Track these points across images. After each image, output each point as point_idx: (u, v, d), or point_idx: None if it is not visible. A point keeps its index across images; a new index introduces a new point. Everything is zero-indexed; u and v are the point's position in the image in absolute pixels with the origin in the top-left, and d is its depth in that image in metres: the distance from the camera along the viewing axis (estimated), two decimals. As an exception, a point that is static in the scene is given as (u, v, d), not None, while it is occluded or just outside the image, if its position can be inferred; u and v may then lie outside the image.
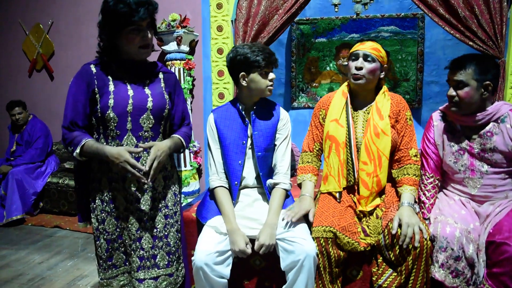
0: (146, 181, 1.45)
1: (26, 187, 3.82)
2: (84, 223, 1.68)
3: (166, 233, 1.61)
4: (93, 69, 1.52)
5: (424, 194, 1.74)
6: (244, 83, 1.69)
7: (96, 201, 1.58)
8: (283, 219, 1.62)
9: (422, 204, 1.73)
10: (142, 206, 1.56)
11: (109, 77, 1.52)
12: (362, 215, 1.72)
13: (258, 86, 1.68)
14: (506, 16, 2.73)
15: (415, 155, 1.77)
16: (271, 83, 1.70)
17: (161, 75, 1.65)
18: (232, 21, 3.19)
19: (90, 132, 1.56)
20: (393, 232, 1.54)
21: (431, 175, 1.76)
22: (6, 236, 3.48)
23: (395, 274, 1.55)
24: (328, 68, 4.05)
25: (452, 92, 1.64)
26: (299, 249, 1.50)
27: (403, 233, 1.51)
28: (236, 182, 1.72)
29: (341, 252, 1.56)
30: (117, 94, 1.50)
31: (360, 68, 1.72)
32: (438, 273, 1.50)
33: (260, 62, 1.64)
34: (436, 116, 1.80)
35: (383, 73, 1.77)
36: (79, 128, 1.52)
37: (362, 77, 1.72)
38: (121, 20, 1.42)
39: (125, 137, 1.52)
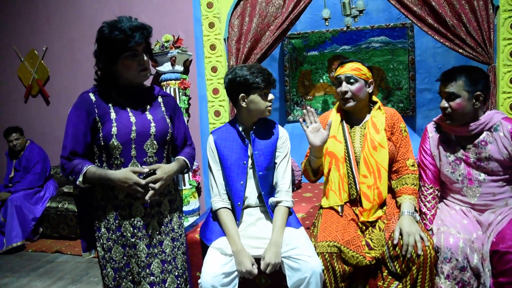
0: (146, 198, 1.45)
1: (26, 212, 3.80)
2: (89, 253, 1.67)
3: (173, 256, 1.60)
4: (92, 97, 1.51)
5: (425, 205, 1.76)
6: (243, 104, 1.70)
7: (102, 229, 1.55)
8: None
9: (424, 216, 1.74)
10: (150, 231, 1.56)
11: (110, 105, 1.51)
12: (364, 228, 1.73)
13: (257, 107, 1.70)
14: (493, 23, 2.79)
15: (412, 165, 1.80)
16: (270, 103, 1.72)
17: (160, 99, 1.66)
18: (224, 39, 3.24)
19: (90, 159, 1.56)
20: (395, 242, 1.55)
21: (430, 186, 1.78)
22: (6, 264, 3.44)
23: (401, 286, 1.55)
24: (321, 81, 4.10)
25: (444, 103, 1.67)
26: (305, 266, 1.50)
27: (404, 243, 1.53)
28: (239, 203, 1.73)
29: (346, 267, 1.57)
30: (119, 121, 1.49)
31: (346, 92, 1.76)
32: (444, 285, 1.50)
33: (259, 84, 1.66)
34: (430, 127, 1.83)
35: (370, 87, 1.81)
36: (79, 156, 1.52)
37: (350, 100, 1.77)
38: (117, 47, 1.43)
39: (130, 164, 1.52)
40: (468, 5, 2.82)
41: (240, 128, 1.76)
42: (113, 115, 1.50)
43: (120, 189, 1.49)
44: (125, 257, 1.55)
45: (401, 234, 1.57)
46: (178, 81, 3.43)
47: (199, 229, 1.88)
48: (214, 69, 3.32)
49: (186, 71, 3.62)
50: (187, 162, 1.67)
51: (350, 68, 1.76)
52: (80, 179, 1.47)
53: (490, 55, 2.81)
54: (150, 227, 1.56)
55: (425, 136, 1.84)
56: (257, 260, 1.59)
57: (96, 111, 1.50)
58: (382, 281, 1.60)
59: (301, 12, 3.12)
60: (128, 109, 1.54)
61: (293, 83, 4.17)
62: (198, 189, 3.80)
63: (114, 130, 1.47)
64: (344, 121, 1.86)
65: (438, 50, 3.78)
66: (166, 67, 3.27)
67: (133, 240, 1.53)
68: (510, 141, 1.60)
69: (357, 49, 3.95)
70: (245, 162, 1.73)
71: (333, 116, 1.88)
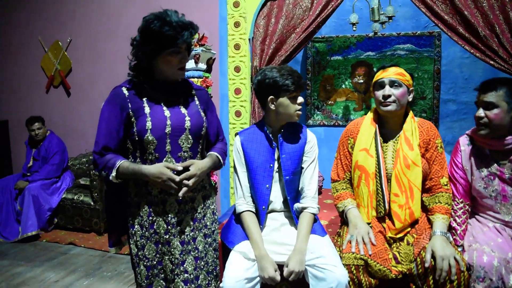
0: (179, 195, 1.43)
1: (42, 203, 3.83)
2: (116, 248, 1.66)
3: (205, 253, 1.58)
4: (125, 92, 1.49)
5: (455, 220, 1.70)
6: (272, 106, 1.67)
7: (135, 226, 1.53)
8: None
9: (454, 231, 1.69)
10: (184, 228, 1.54)
11: (143, 99, 1.49)
12: (392, 241, 1.68)
13: (286, 110, 1.66)
14: (527, 35, 2.71)
15: (446, 184, 1.73)
16: (299, 107, 1.68)
17: (193, 92, 1.64)
18: (249, 39, 3.22)
19: (123, 155, 1.54)
20: (427, 265, 1.49)
21: (460, 201, 1.72)
22: (21, 253, 3.47)
23: None
24: (343, 86, 4.05)
25: (481, 113, 1.61)
26: (330, 276, 1.46)
27: (438, 268, 1.46)
28: (263, 207, 1.70)
29: (372, 280, 1.52)
30: (154, 116, 1.47)
31: (389, 96, 1.69)
32: None
33: (289, 86, 1.63)
34: (463, 140, 1.78)
35: (411, 95, 1.75)
36: (111, 152, 1.50)
37: (391, 103, 1.70)
38: (164, 42, 1.41)
39: (164, 159, 1.49)
40: (503, 16, 2.74)
41: (268, 131, 1.73)
42: (147, 110, 1.48)
43: (154, 184, 1.47)
44: (157, 255, 1.53)
45: (433, 256, 1.51)
46: (200, 79, 3.41)
47: (220, 231, 1.85)
48: (237, 69, 3.31)
49: (209, 70, 3.60)
50: (220, 158, 1.64)
51: (394, 72, 1.70)
52: (113, 174, 1.45)
53: (522, 68, 2.73)
54: (184, 223, 1.54)
55: (456, 149, 1.78)
56: (280, 266, 1.56)
57: (130, 106, 1.48)
58: (409, 297, 1.55)
59: (329, 16, 3.08)
60: (162, 104, 1.52)
61: (315, 87, 4.13)
62: (215, 189, 3.78)
63: (148, 124, 1.45)
64: (377, 134, 1.78)
65: (465, 60, 3.70)
66: (189, 64, 3.25)
67: (166, 237, 1.51)
68: None
69: (381, 56, 3.89)
70: (271, 165, 1.70)
71: (367, 126, 1.81)
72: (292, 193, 1.73)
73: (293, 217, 1.71)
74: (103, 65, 4.34)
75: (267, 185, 1.69)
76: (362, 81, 3.97)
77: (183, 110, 1.54)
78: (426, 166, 1.73)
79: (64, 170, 4.18)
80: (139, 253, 1.53)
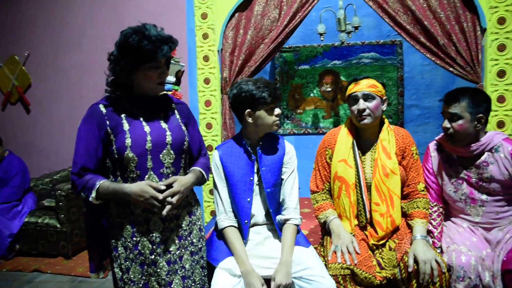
0: (163, 213, 1.38)
1: (1, 229, 3.58)
2: (96, 274, 1.57)
3: (192, 271, 1.53)
4: (103, 109, 1.44)
5: (431, 223, 1.75)
6: (250, 120, 1.66)
7: (119, 248, 1.46)
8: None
9: (431, 234, 1.74)
10: (170, 247, 1.48)
11: (122, 116, 1.45)
12: (374, 248, 1.70)
13: (265, 122, 1.66)
14: (480, 44, 2.88)
15: (423, 190, 1.78)
16: (277, 118, 1.69)
17: (173, 106, 1.60)
18: (218, 50, 3.20)
19: (102, 175, 1.48)
20: (410, 269, 1.52)
21: (434, 204, 1.79)
22: (-21, 284, 3.22)
23: None
24: (312, 95, 4.13)
25: (447, 124, 1.68)
26: (318, 287, 1.46)
27: (421, 271, 1.50)
28: (246, 221, 1.67)
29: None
30: (133, 132, 1.42)
31: (363, 110, 1.71)
32: None
33: (266, 99, 1.62)
34: (432, 146, 1.85)
35: (385, 104, 1.79)
36: (90, 172, 1.44)
37: (367, 117, 1.73)
38: (143, 57, 1.37)
39: (146, 177, 1.43)
40: (458, 26, 2.91)
41: (246, 144, 1.72)
42: (126, 126, 1.43)
43: (136, 203, 1.42)
44: (143, 277, 1.46)
45: (415, 260, 1.54)
46: (170, 92, 3.35)
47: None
48: (206, 81, 3.28)
49: (178, 82, 3.55)
50: (203, 173, 1.60)
51: (366, 85, 1.72)
52: (93, 195, 1.39)
53: (478, 74, 2.89)
54: (169, 242, 1.49)
55: (427, 155, 1.85)
56: (267, 280, 1.53)
57: (108, 123, 1.43)
58: (393, 302, 1.58)
59: (296, 26, 3.13)
60: (141, 119, 1.47)
61: (284, 97, 4.17)
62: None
63: (128, 141, 1.40)
64: (355, 145, 1.81)
65: (426, 67, 3.88)
66: (158, 77, 3.21)
67: (152, 257, 1.45)
68: (511, 162, 1.63)
69: (348, 64, 4.00)
70: (251, 178, 1.68)
71: (344, 137, 1.83)
72: (274, 205, 1.72)
73: (277, 229, 1.70)
74: (65, 79, 4.17)
75: (248, 199, 1.67)
76: (330, 89, 4.06)
77: (163, 124, 1.50)
78: (404, 174, 1.77)
79: (26, 192, 3.93)
80: (124, 276, 1.46)
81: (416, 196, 1.77)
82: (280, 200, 1.75)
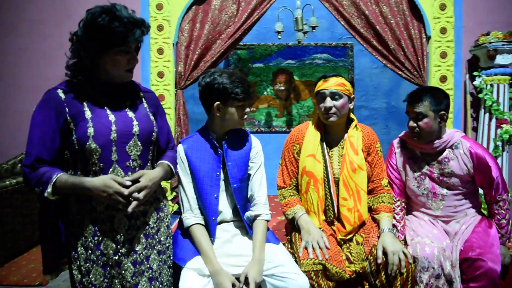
0: (128, 210, 1.27)
1: None
2: (52, 275, 1.41)
3: (160, 271, 1.43)
4: (62, 95, 1.29)
5: (394, 217, 1.82)
6: (218, 113, 1.60)
7: (79, 249, 1.32)
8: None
9: (395, 227, 1.80)
10: (135, 246, 1.36)
11: (84, 103, 1.31)
12: (342, 242, 1.73)
13: (232, 118, 1.60)
14: (425, 51, 3.09)
15: (387, 185, 1.84)
16: (246, 116, 1.64)
17: (141, 94, 1.48)
18: (173, 43, 3.08)
19: (60, 168, 1.33)
20: (379, 261, 1.57)
21: (397, 199, 1.87)
22: None
23: None
24: (265, 93, 4.13)
25: (413, 123, 1.76)
26: (293, 284, 1.42)
27: (390, 262, 1.55)
28: (214, 218, 1.60)
29: (330, 283, 1.54)
30: (96, 121, 1.29)
31: (330, 108, 1.72)
32: None
33: (239, 95, 1.54)
34: (396, 143, 1.92)
35: (352, 103, 1.82)
36: (46, 164, 1.28)
37: (333, 115, 1.74)
38: (113, 40, 1.25)
39: (111, 170, 1.31)
40: (406, 32, 3.08)
41: (212, 137, 1.65)
42: (88, 114, 1.30)
43: (99, 199, 1.29)
44: (106, 279, 1.33)
45: (383, 252, 1.58)
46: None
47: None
48: (160, 74, 3.14)
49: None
50: (171, 166, 1.51)
51: (335, 84, 1.74)
52: (49, 189, 1.24)
53: (423, 78, 3.09)
54: (135, 241, 1.37)
55: (391, 152, 1.92)
56: (237, 279, 1.49)
57: (67, 111, 1.29)
58: (363, 295, 1.61)
59: (254, 23, 3.12)
60: (106, 107, 1.34)
61: (237, 94, 4.13)
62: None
63: (90, 130, 1.27)
64: (323, 140, 1.82)
65: (374, 70, 4.07)
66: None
67: (116, 258, 1.33)
68: (469, 158, 1.74)
69: (301, 64, 4.07)
70: (218, 173, 1.62)
71: (312, 132, 1.83)
72: (242, 201, 1.68)
73: (246, 226, 1.66)
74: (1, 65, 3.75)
75: (215, 195, 1.61)
76: (283, 88, 4.10)
77: (130, 113, 1.38)
78: (369, 170, 1.82)
79: None
80: (84, 279, 1.32)
81: (380, 192, 1.82)
82: (248, 195, 1.71)
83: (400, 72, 3.12)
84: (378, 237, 1.68)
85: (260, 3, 3.08)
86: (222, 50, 3.10)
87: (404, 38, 3.08)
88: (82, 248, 1.33)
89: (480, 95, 2.95)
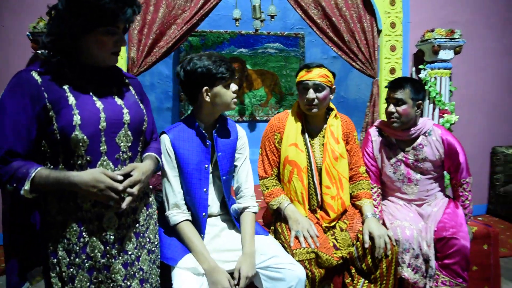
0: (122, 206, 1.15)
1: None
2: (30, 281, 1.22)
3: (150, 272, 1.32)
4: (37, 77, 1.12)
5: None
6: (207, 98, 1.50)
7: (60, 253, 1.17)
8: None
9: None
10: (126, 246, 1.23)
11: (65, 87, 1.15)
12: (327, 229, 1.76)
13: (223, 99, 1.51)
14: (377, 43, 3.25)
15: (364, 173, 1.91)
16: (235, 95, 1.57)
17: (127, 80, 1.34)
18: (125, 27, 2.85)
19: (35, 161, 1.15)
20: (366, 246, 1.62)
21: (374, 185, 1.95)
22: None
23: (367, 282, 1.64)
24: (218, 81, 4.05)
25: (392, 108, 1.84)
26: (290, 275, 1.41)
27: (377, 246, 1.61)
28: (204, 214, 1.52)
29: (321, 270, 1.57)
30: (82, 108, 1.14)
31: (313, 100, 1.72)
32: (407, 273, 1.67)
33: (224, 73, 1.47)
34: (373, 132, 1.99)
35: (333, 94, 1.82)
36: (20, 158, 1.11)
37: (315, 107, 1.74)
38: (101, 18, 1.10)
39: (99, 163, 1.17)
40: (360, 25, 3.20)
41: (200, 127, 1.56)
42: (71, 100, 1.13)
43: (87, 196, 1.14)
44: (92, 285, 1.19)
45: (370, 236, 1.64)
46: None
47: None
48: (111, 60, 2.89)
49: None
50: (159, 159, 1.39)
51: (318, 75, 1.71)
52: (27, 186, 1.07)
53: (375, 70, 3.25)
54: (126, 240, 1.24)
55: (367, 140, 1.99)
56: (231, 274, 1.44)
57: (46, 96, 1.11)
58: (350, 279, 1.66)
59: (212, 9, 3.01)
60: (91, 93, 1.19)
61: (189, 82, 3.99)
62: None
63: (76, 118, 1.11)
64: (304, 129, 1.82)
65: (324, 61, 4.17)
66: (51, 52, 2.68)
67: (104, 260, 1.19)
68: (441, 144, 1.87)
69: (254, 53, 4.04)
70: (207, 165, 1.53)
71: (293, 121, 1.82)
72: (228, 194, 1.62)
73: (233, 219, 1.61)
74: None
75: (205, 189, 1.52)
76: (236, 77, 4.03)
77: (118, 101, 1.24)
78: (348, 157, 1.86)
79: None
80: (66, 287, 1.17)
81: (359, 179, 1.89)
82: (234, 188, 1.65)
83: (353, 63, 3.24)
84: (362, 223, 1.74)
85: (218, -12, 2.98)
86: (178, 36, 2.95)
87: (358, 30, 3.20)
88: (64, 252, 1.17)
89: (426, 87, 3.19)
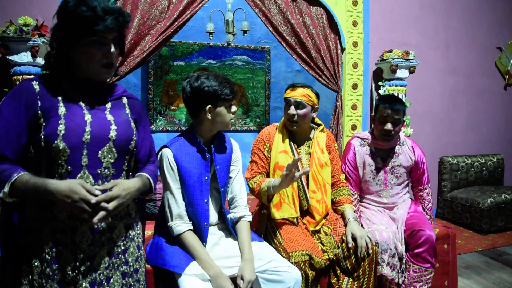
0: (94, 221, 1.11)
1: None
2: None
3: None
4: (36, 87, 1.15)
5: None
6: (209, 116, 1.58)
7: (33, 261, 1.16)
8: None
9: None
10: (96, 265, 1.21)
11: (59, 98, 1.17)
12: (313, 234, 1.90)
13: (223, 119, 1.60)
14: (340, 61, 3.49)
15: (344, 180, 2.10)
16: (234, 115, 1.67)
17: (125, 100, 1.34)
18: (98, 35, 2.82)
19: (23, 167, 1.16)
20: (350, 245, 1.78)
21: (354, 192, 2.14)
22: None
23: (352, 280, 1.80)
24: (186, 91, 4.08)
25: (390, 127, 2.02)
26: (288, 277, 1.52)
27: (359, 245, 1.77)
28: (206, 223, 1.58)
29: (313, 272, 1.70)
30: (69, 119, 1.16)
31: (293, 116, 1.89)
32: (386, 271, 1.86)
33: (228, 95, 1.56)
34: (356, 142, 2.18)
35: (315, 113, 2.00)
36: (7, 162, 1.13)
37: (295, 123, 1.90)
38: (81, 27, 1.11)
39: (79, 175, 1.17)
40: (325, 43, 3.43)
41: (200, 141, 1.63)
42: (62, 110, 1.15)
43: (62, 206, 1.13)
44: None
45: (353, 238, 1.79)
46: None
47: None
48: (82, 68, 2.84)
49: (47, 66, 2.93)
50: (151, 181, 1.37)
51: (300, 94, 1.88)
52: (6, 189, 1.08)
53: (339, 85, 3.49)
54: (97, 258, 1.22)
55: (349, 150, 2.17)
56: (232, 280, 1.52)
57: (39, 104, 1.13)
58: (335, 279, 1.81)
59: (187, 21, 3.08)
60: (83, 105, 1.20)
61: (157, 92, 3.98)
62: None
63: (61, 128, 1.13)
64: (291, 140, 1.98)
65: (289, 74, 4.38)
66: (23, 57, 2.56)
67: (73, 274, 1.18)
68: (412, 153, 2.14)
69: (222, 65, 4.13)
70: (207, 178, 1.61)
71: (281, 133, 1.97)
72: (224, 204, 1.71)
73: (230, 228, 1.68)
74: None
75: (206, 200, 1.59)
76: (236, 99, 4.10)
77: (109, 117, 1.25)
78: (331, 166, 2.03)
79: None
80: None
81: (340, 185, 2.07)
82: (229, 198, 1.73)
83: (319, 79, 3.45)
84: (345, 226, 1.91)
85: (192, 2, 3.05)
86: (152, 47, 2.98)
87: (323, 48, 3.42)
88: (37, 260, 1.17)
89: (384, 102, 3.48)
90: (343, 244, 1.82)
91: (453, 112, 4.05)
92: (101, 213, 1.13)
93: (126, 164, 1.32)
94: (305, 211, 1.96)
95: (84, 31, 1.13)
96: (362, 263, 1.79)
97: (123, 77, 3.04)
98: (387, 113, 2.01)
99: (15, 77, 2.59)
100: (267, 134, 1.99)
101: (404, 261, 1.93)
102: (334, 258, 1.80)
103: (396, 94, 3.42)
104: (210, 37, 3.39)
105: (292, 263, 1.64)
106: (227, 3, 3.27)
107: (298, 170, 1.92)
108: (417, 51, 3.67)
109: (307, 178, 1.95)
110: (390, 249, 1.87)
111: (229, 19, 3.25)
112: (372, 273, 1.81)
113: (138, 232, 1.38)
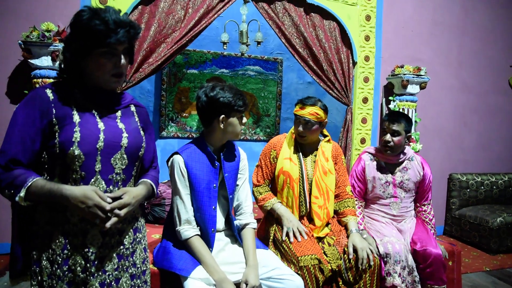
0: (106, 225, 1.19)
1: None
2: (16, 279, 1.27)
3: None
4: (50, 94, 1.20)
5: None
6: (221, 125, 1.63)
7: (43, 262, 1.21)
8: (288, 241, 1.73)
9: (359, 226, 2.10)
10: (106, 266, 1.27)
11: (72, 106, 1.23)
12: (318, 241, 1.95)
13: (234, 129, 1.64)
14: (352, 74, 3.53)
15: (350, 192, 2.14)
16: (244, 127, 1.72)
17: (133, 108, 1.41)
18: (115, 42, 2.91)
19: (36, 172, 1.21)
20: (350, 257, 1.82)
21: (359, 202, 2.20)
22: None
23: None
24: (198, 99, 4.15)
25: (389, 138, 2.11)
26: (291, 285, 1.55)
27: (360, 257, 1.80)
28: (213, 229, 1.62)
29: (322, 276, 1.74)
30: (84, 127, 1.21)
31: (302, 132, 2.00)
32: (398, 281, 1.89)
33: (241, 107, 1.62)
34: (366, 157, 2.25)
35: (324, 127, 2.09)
36: (21, 166, 1.18)
37: (304, 138, 2.01)
38: (94, 39, 1.17)
39: (92, 181, 1.23)
40: (337, 56, 3.47)
41: (211, 149, 1.68)
42: (76, 118, 1.20)
43: (75, 210, 1.19)
44: None
45: (355, 249, 1.83)
46: (56, 81, 2.83)
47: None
48: (99, 73, 2.93)
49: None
50: (154, 187, 1.44)
51: (308, 113, 1.97)
52: (22, 194, 1.13)
53: (349, 98, 3.52)
54: (106, 260, 1.27)
55: (359, 163, 2.25)
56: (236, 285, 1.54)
57: (54, 112, 1.18)
58: (337, 290, 1.84)
59: (202, 31, 3.15)
60: (96, 114, 1.26)
61: (169, 99, 4.06)
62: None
63: (76, 135, 1.19)
64: (298, 149, 2.06)
65: (300, 85, 4.42)
66: (43, 61, 2.66)
67: (83, 276, 1.23)
68: (421, 168, 2.19)
69: (234, 74, 4.20)
70: (215, 185, 1.65)
71: (289, 141, 2.07)
72: (231, 211, 1.74)
73: (235, 234, 1.72)
74: None
75: (213, 206, 1.63)
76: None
77: (120, 125, 1.32)
78: (336, 176, 2.09)
79: None
80: None
81: (345, 197, 2.11)
82: (235, 205, 1.77)
83: (330, 91, 3.48)
84: (347, 237, 1.95)
85: (207, 12, 3.12)
86: (168, 54, 3.05)
87: (335, 61, 3.46)
88: (47, 262, 1.22)
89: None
90: (345, 255, 1.84)
91: (464, 130, 4.03)
92: (114, 219, 1.21)
93: (135, 169, 1.38)
94: (308, 217, 2.02)
95: (97, 43, 1.18)
96: (364, 275, 1.81)
97: (138, 83, 3.11)
98: (386, 125, 2.08)
99: (35, 80, 2.68)
100: (276, 142, 2.10)
101: (415, 273, 1.94)
102: (337, 269, 1.82)
103: (406, 110, 3.43)
104: (224, 47, 3.46)
105: (301, 266, 1.68)
106: (242, 14, 3.34)
107: (302, 175, 1.99)
108: (429, 67, 3.68)
109: (310, 185, 2.01)
110: (402, 260, 1.91)
111: (243, 30, 3.32)
112: (373, 285, 1.82)
113: (144, 234, 1.44)
